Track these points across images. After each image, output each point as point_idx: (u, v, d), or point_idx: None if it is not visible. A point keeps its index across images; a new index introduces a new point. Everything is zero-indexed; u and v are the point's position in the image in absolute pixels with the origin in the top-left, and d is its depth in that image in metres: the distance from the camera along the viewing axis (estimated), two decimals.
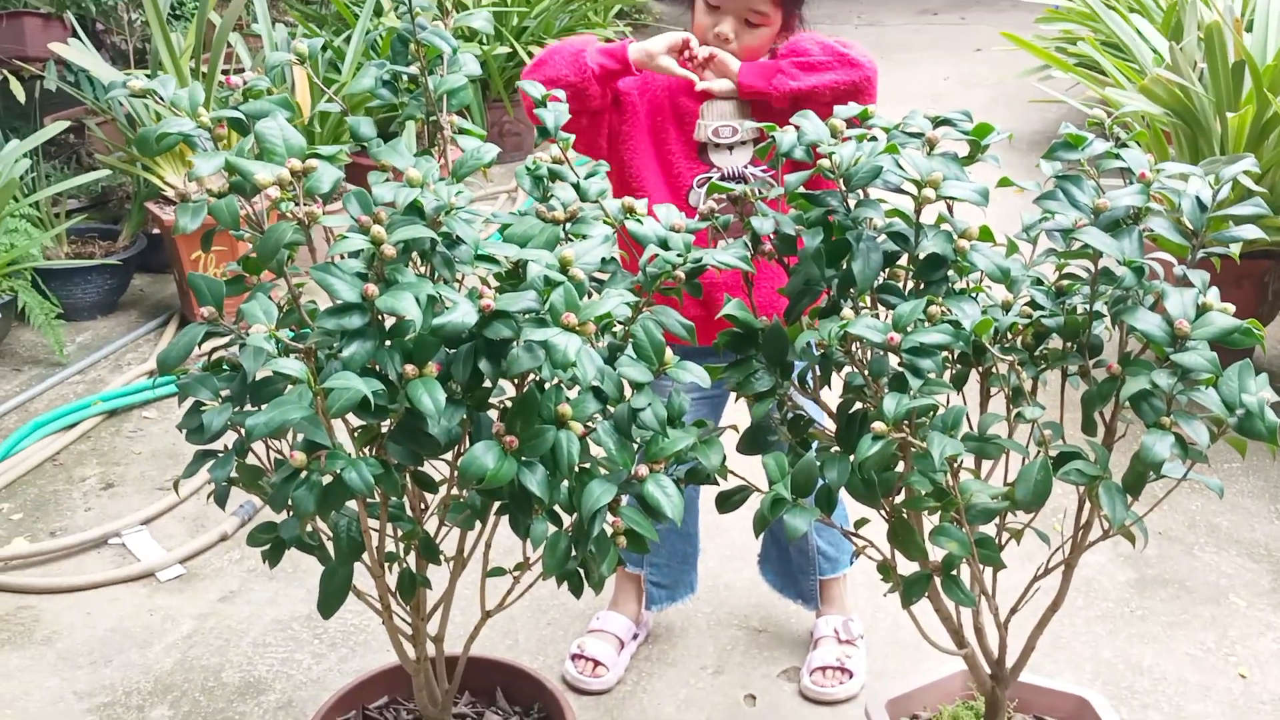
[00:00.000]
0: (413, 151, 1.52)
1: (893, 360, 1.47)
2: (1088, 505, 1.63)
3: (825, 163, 1.50)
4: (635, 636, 2.44)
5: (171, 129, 1.39)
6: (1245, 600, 2.59)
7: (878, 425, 1.41)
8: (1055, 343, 1.59)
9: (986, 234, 1.54)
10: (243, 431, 1.45)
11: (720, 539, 2.71)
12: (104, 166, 4.10)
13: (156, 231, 4.13)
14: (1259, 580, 2.65)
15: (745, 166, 2.07)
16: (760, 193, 1.64)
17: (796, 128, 1.56)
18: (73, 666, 2.43)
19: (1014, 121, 5.44)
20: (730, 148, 2.08)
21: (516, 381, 1.44)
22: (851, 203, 1.53)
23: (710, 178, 2.05)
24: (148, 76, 1.46)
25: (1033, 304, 1.58)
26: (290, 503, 1.33)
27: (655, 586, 2.43)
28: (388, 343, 1.33)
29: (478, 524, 1.54)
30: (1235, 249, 1.54)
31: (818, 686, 2.31)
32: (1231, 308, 1.45)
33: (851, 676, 2.32)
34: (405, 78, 1.61)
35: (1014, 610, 1.71)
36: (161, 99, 1.42)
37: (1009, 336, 1.60)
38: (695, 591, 2.48)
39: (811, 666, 2.34)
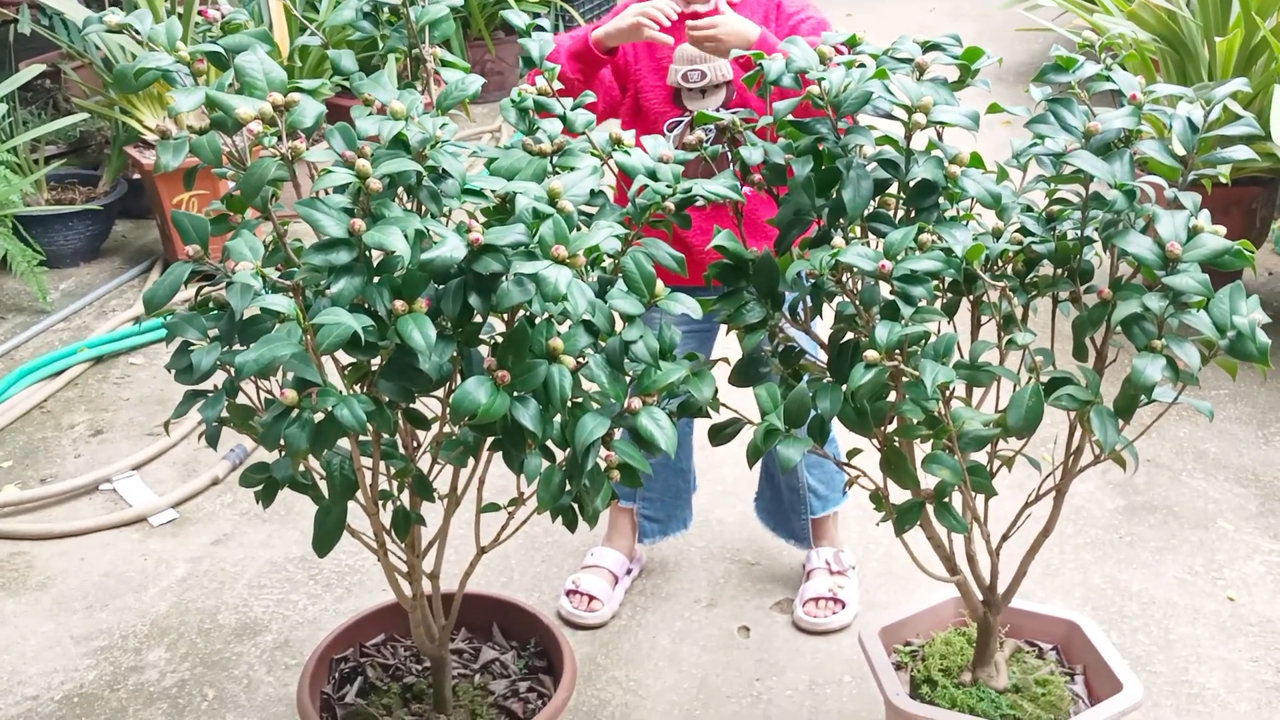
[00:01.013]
0: (395, 86, 1.50)
1: (884, 289, 1.46)
2: (1078, 431, 1.63)
3: (814, 89, 1.49)
4: (629, 572, 2.46)
5: (150, 64, 1.37)
6: (1233, 524, 2.62)
7: (870, 354, 1.41)
8: (1046, 269, 1.59)
9: (977, 160, 1.53)
10: (232, 370, 1.44)
11: (711, 475, 2.72)
12: (81, 110, 4.05)
13: (137, 176, 4.08)
14: (1246, 505, 2.68)
15: (718, 110, 2.05)
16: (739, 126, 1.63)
17: (785, 55, 1.54)
18: (68, 611, 2.44)
19: (1001, 52, 5.33)
20: (702, 91, 2.07)
21: (507, 316, 1.43)
22: (841, 130, 1.51)
23: (681, 121, 2.05)
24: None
25: (1023, 230, 1.58)
26: (283, 441, 1.32)
27: (648, 520, 2.44)
28: (376, 278, 1.32)
29: (471, 460, 1.54)
30: (1225, 170, 1.53)
31: (810, 617, 2.33)
32: (1222, 229, 1.44)
33: (844, 606, 2.34)
34: (386, 10, 1.58)
35: (1005, 537, 1.72)
36: (138, 34, 1.40)
37: (1000, 263, 1.59)
38: (688, 527, 2.49)
39: (804, 598, 2.36)
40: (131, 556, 2.60)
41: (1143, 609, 2.37)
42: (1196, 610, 2.36)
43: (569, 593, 2.38)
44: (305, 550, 2.57)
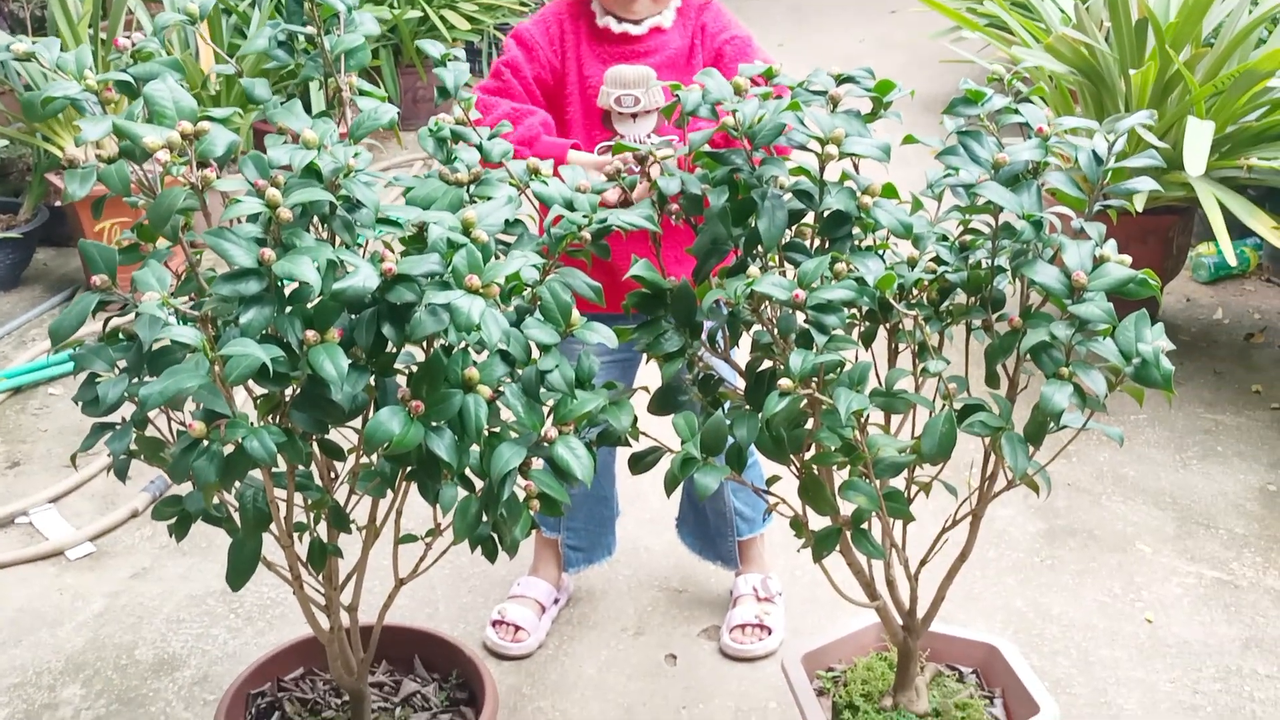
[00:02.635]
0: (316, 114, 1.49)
1: (799, 317, 1.47)
2: (993, 457, 1.66)
3: (729, 120, 1.50)
4: (556, 601, 2.44)
5: (56, 92, 1.35)
6: (1151, 547, 2.66)
7: (784, 382, 1.42)
8: (960, 298, 1.61)
9: (890, 191, 1.55)
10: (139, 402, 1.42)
11: (639, 503, 2.72)
12: (2, 137, 3.98)
13: (59, 204, 4.02)
14: (1164, 527, 2.73)
15: (649, 135, 2.05)
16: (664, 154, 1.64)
17: (701, 86, 1.56)
18: None
19: (927, 82, 5.48)
20: (633, 116, 2.06)
21: (425, 346, 1.42)
22: (756, 160, 1.53)
23: (610, 145, 2.04)
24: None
25: (937, 259, 1.60)
26: (191, 474, 1.31)
27: (571, 550, 2.43)
28: (288, 309, 1.31)
29: (389, 491, 1.53)
30: (1139, 200, 1.57)
31: (737, 644, 2.33)
32: (1128, 259, 1.47)
33: (770, 633, 2.34)
34: (302, 38, 1.57)
35: (923, 562, 1.74)
36: (45, 62, 1.38)
37: (915, 292, 1.61)
38: (612, 554, 2.49)
39: (731, 624, 2.36)
40: (47, 591, 2.54)
41: (1063, 631, 2.40)
42: (1115, 632, 2.40)
43: (495, 623, 2.36)
44: (225, 584, 2.53)
